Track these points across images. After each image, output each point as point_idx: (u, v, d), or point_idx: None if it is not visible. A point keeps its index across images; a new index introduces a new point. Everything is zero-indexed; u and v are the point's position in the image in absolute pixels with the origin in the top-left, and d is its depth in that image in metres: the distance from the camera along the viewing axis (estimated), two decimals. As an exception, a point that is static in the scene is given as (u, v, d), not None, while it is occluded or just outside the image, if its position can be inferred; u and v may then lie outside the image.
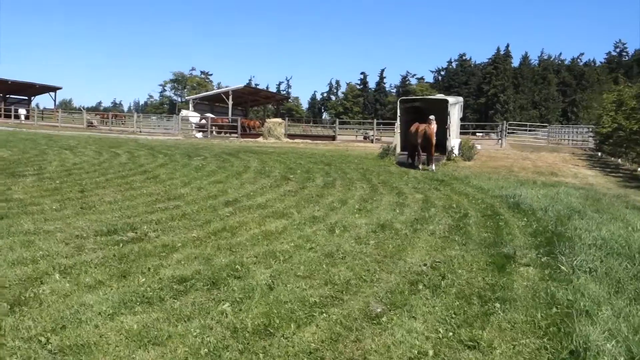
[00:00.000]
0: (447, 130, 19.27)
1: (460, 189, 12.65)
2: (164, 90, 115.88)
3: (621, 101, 21.95)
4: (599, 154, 26.48)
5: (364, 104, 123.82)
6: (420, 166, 16.61)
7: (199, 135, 33.79)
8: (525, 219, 8.89)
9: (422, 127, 16.46)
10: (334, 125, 36.24)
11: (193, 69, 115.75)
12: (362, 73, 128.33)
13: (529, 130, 39.53)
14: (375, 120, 34.23)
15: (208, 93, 52.86)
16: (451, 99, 20.18)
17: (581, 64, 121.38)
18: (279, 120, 33.66)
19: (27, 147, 16.86)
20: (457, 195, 11.68)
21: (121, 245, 6.25)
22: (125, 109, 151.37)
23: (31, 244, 6.08)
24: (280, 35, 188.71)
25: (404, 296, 4.87)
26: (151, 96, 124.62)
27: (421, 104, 21.89)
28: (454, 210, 9.74)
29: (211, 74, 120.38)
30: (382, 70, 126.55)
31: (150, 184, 11.29)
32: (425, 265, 5.94)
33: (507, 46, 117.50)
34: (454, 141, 20.11)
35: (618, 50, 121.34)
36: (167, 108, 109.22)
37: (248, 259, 5.90)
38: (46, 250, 5.84)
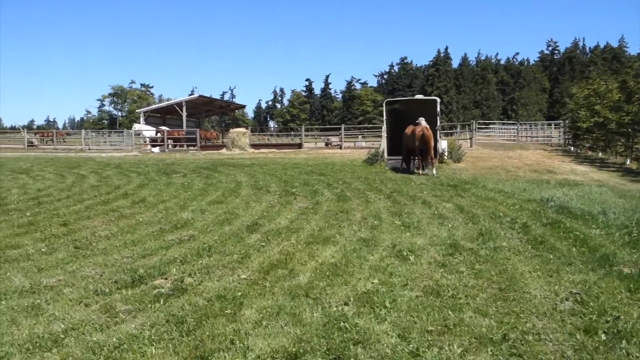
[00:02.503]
0: (437, 132, 18.32)
1: (481, 193, 11.61)
2: (103, 105, 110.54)
3: (599, 94, 21.85)
4: (572, 148, 26.44)
5: (311, 111, 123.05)
6: (420, 171, 15.53)
7: (156, 149, 31.47)
8: (594, 226, 7.89)
9: (419, 129, 15.38)
10: (300, 133, 34.82)
11: (132, 82, 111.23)
12: (307, 79, 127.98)
13: (499, 129, 39.63)
14: (343, 126, 32.96)
15: (160, 105, 50.05)
16: (438, 99, 19.25)
17: (517, 63, 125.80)
18: (242, 130, 31.82)
19: (-28, 173, 14.52)
20: (485, 201, 10.61)
21: (162, 301, 4.64)
22: (60, 126, 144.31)
23: (38, 311, 4.40)
24: (221, 45, 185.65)
25: (600, 353, 3.59)
26: (89, 112, 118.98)
27: (405, 106, 20.87)
28: (503, 219, 8.62)
29: (152, 87, 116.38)
30: (327, 76, 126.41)
31: (141, 210, 9.55)
32: (566, 299, 4.70)
33: (446, 48, 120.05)
34: (443, 143, 19.22)
35: (550, 49, 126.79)
36: (106, 123, 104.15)
37: (343, 309, 4.46)
38: (65, 320, 4.18)
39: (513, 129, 35.52)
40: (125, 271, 5.58)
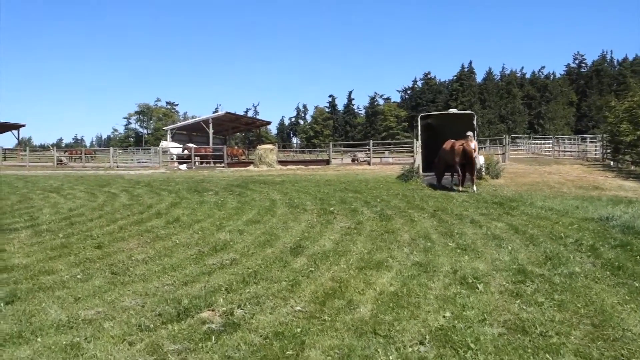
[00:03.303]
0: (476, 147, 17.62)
1: (532, 212, 10.91)
2: (129, 122, 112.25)
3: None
4: (612, 163, 25.40)
5: (334, 127, 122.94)
6: (460, 187, 14.86)
7: (183, 167, 31.34)
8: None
9: (459, 144, 14.74)
10: (325, 149, 34.39)
11: (158, 100, 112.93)
12: (330, 96, 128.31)
13: (527, 143, 38.61)
14: (371, 141, 32.40)
15: (186, 122, 50.26)
16: (474, 114, 18.60)
17: (542, 77, 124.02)
18: (269, 146, 31.53)
19: (4, 192, 14.35)
20: (539, 220, 9.92)
21: (214, 339, 4.14)
22: (88, 144, 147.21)
23: (78, 351, 3.94)
24: (245, 62, 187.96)
25: None
26: (115, 129, 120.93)
27: (439, 120, 20.26)
28: (565, 240, 7.95)
29: (177, 104, 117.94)
30: (350, 92, 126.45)
31: (176, 230, 9.12)
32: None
33: (470, 63, 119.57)
34: (480, 158, 18.51)
35: (577, 62, 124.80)
36: (132, 141, 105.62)
37: (420, 350, 3.90)
38: (109, 363, 3.69)
39: (543, 143, 34.49)
40: (168, 301, 5.10)
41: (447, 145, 15.46)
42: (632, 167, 22.99)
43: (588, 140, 36.56)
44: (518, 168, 23.18)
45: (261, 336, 4.21)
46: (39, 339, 4.17)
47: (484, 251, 7.31)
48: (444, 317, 4.64)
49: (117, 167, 33.52)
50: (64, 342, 4.07)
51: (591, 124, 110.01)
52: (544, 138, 42.01)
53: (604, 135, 27.94)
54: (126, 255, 7.24)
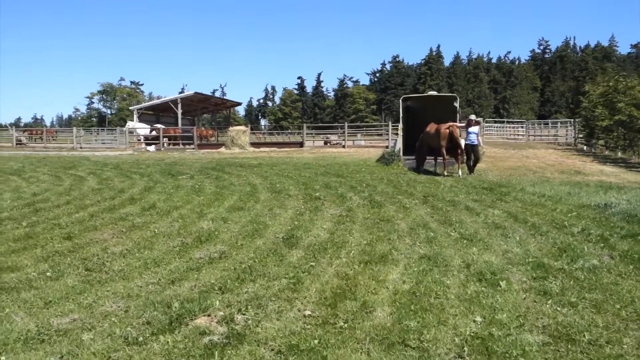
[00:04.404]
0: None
1: (524, 198, 10.56)
2: (92, 102, 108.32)
3: (618, 91, 20.88)
4: (584, 147, 25.55)
5: (303, 109, 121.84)
6: (445, 172, 14.45)
7: (151, 148, 30.08)
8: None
9: (445, 127, 14.29)
10: (296, 131, 33.67)
11: (122, 79, 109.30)
12: (299, 77, 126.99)
13: (495, 127, 38.68)
14: (346, 124, 31.78)
15: (154, 102, 48.40)
16: (457, 96, 18.21)
17: (508, 62, 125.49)
18: (242, 128, 30.53)
19: (-43, 175, 13.19)
20: (534, 207, 9.55)
21: (217, 355, 3.50)
22: (48, 123, 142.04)
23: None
24: (212, 42, 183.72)
25: None
26: (77, 109, 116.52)
27: (418, 103, 19.80)
28: (569, 229, 7.57)
29: (142, 84, 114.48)
30: (319, 75, 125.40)
31: (154, 218, 8.36)
32: None
33: (438, 47, 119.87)
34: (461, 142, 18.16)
35: (542, 47, 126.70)
36: (95, 121, 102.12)
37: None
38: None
39: (510, 127, 34.61)
40: (156, 305, 4.42)
41: (432, 128, 14.99)
42: (607, 152, 23.14)
43: (559, 124, 36.88)
44: (496, 152, 23.02)
45: (273, 350, 3.59)
46: (2, 357, 3.44)
47: (491, 242, 6.84)
48: (474, 321, 4.12)
49: (81, 148, 31.97)
50: (35, 362, 3.37)
51: (554, 109, 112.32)
52: (517, 122, 42.22)
53: (577, 120, 28.08)
54: (100, 248, 6.48)
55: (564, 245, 6.61)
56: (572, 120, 29.45)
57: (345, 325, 4.05)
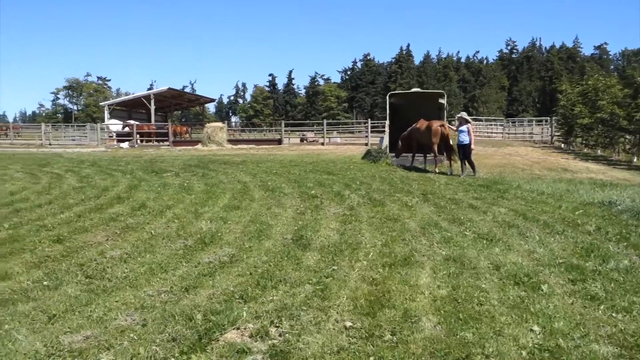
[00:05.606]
0: (446, 128, 17.05)
1: (525, 195, 10.42)
2: (57, 98, 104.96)
3: (598, 90, 21.12)
4: (562, 145, 25.83)
5: (275, 106, 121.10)
6: (437, 169, 14.23)
7: (125, 145, 29.08)
8: None
9: (437, 124, 14.06)
10: (272, 128, 33.18)
11: (89, 75, 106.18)
12: (270, 75, 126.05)
13: (480, 125, 39.00)
14: (325, 121, 31.42)
15: (126, 98, 46.92)
16: (444, 93, 18.04)
17: (477, 61, 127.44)
18: (219, 124, 29.81)
19: None
20: (538, 204, 9.38)
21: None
22: (10, 119, 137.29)
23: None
24: (182, 38, 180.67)
25: None
26: (42, 105, 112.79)
27: (403, 100, 19.56)
28: (583, 227, 7.42)
29: (109, 80, 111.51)
30: (290, 72, 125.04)
31: (147, 219, 7.82)
32: None
33: (408, 46, 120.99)
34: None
35: (509, 48, 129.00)
36: (61, 117, 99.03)
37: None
38: None
39: (485, 125, 34.96)
40: (176, 317, 3.94)
41: (422, 125, 14.73)
42: (585, 150, 23.42)
43: (534, 123, 37.37)
44: (478, 150, 23.00)
45: (325, 371, 3.17)
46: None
47: (511, 242, 6.57)
48: (531, 330, 3.80)
49: (50, 144, 30.67)
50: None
51: (521, 107, 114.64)
52: (493, 120, 42.65)
53: (554, 118, 28.39)
54: (97, 252, 5.93)
55: (586, 244, 6.39)
56: (549, 118, 29.85)
57: (395, 338, 3.67)
